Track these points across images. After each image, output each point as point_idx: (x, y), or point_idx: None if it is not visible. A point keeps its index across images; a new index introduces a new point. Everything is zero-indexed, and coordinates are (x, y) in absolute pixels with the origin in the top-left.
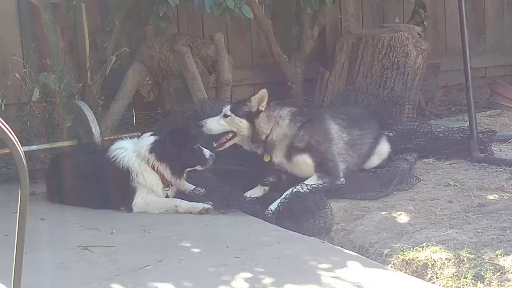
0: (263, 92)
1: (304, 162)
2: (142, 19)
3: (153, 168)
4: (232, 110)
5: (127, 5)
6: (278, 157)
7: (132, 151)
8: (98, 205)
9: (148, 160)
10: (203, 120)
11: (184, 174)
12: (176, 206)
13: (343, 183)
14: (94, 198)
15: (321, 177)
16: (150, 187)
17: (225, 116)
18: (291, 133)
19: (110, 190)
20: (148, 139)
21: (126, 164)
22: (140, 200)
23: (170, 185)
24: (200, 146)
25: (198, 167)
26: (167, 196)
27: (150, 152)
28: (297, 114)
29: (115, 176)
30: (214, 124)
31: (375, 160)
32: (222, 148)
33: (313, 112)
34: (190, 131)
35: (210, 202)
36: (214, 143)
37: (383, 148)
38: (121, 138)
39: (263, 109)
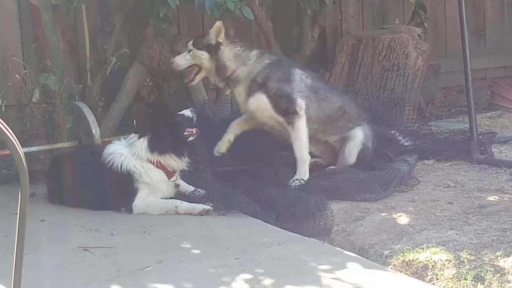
0: (219, 23)
1: (262, 100)
2: (142, 20)
3: (156, 165)
4: (193, 44)
5: (128, 6)
6: (240, 95)
7: (128, 154)
8: (98, 207)
9: (150, 159)
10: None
11: (185, 153)
12: (176, 207)
13: (302, 120)
14: (94, 200)
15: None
16: (156, 185)
17: (189, 50)
18: (255, 71)
19: (110, 192)
20: (139, 140)
21: (126, 168)
22: (140, 201)
23: (176, 176)
24: (180, 113)
25: (191, 138)
26: (177, 186)
27: (151, 151)
28: (265, 54)
29: (115, 180)
30: (181, 59)
31: (352, 148)
32: (193, 83)
33: (282, 57)
34: (168, 108)
35: (210, 203)
36: (187, 79)
37: (357, 134)
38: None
39: (221, 40)
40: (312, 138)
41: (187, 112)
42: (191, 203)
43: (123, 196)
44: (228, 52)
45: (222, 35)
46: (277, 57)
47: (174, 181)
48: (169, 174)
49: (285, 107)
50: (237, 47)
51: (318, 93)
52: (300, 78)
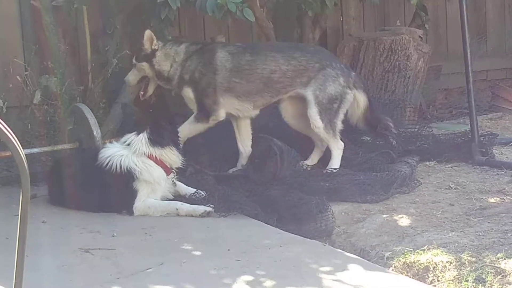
0: (148, 32)
1: (189, 96)
2: (143, 22)
3: (156, 162)
4: (135, 59)
5: (129, 8)
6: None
7: (127, 153)
8: (99, 210)
9: (150, 154)
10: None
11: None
12: (177, 209)
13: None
14: (95, 203)
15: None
16: (157, 181)
17: (134, 65)
18: (184, 67)
19: (111, 195)
20: (138, 137)
21: (126, 167)
22: (141, 203)
23: (173, 172)
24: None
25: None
26: (174, 184)
27: (153, 145)
28: (191, 46)
29: (115, 182)
30: (130, 76)
31: (311, 115)
32: (147, 95)
33: (207, 43)
34: (166, 106)
35: (211, 205)
36: (140, 93)
37: (308, 97)
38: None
39: (156, 47)
40: (262, 103)
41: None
42: (192, 205)
43: (124, 198)
44: (160, 56)
45: (155, 41)
46: (200, 46)
47: (172, 178)
48: (167, 170)
49: (204, 106)
50: (167, 47)
51: (240, 70)
52: (221, 64)
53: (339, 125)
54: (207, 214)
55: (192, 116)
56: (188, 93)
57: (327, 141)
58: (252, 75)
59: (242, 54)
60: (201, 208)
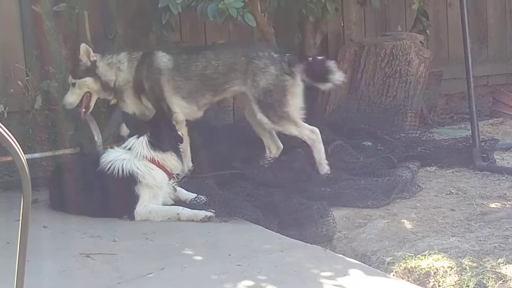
0: (83, 46)
1: (147, 104)
2: (144, 27)
3: (158, 165)
4: (73, 77)
5: (130, 13)
6: (129, 102)
7: (129, 157)
8: (100, 215)
9: (151, 157)
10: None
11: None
12: (178, 214)
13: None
14: (96, 208)
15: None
16: (159, 185)
17: (73, 84)
18: (131, 74)
19: (112, 200)
20: (139, 140)
21: (129, 171)
22: (142, 208)
23: (174, 178)
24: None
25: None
26: (174, 190)
27: (153, 149)
28: (132, 52)
29: (116, 186)
30: (70, 97)
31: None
32: (90, 110)
33: (145, 50)
34: (167, 114)
35: (212, 210)
36: (81, 110)
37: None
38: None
39: (95, 58)
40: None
41: None
42: (193, 210)
43: (125, 203)
44: (103, 66)
45: (92, 53)
46: (140, 54)
47: (173, 183)
48: (169, 175)
49: (161, 108)
50: (108, 57)
51: (180, 69)
52: (166, 67)
53: (293, 113)
54: (208, 219)
55: None
56: (145, 102)
57: (289, 133)
58: (188, 73)
59: (180, 54)
60: (202, 213)
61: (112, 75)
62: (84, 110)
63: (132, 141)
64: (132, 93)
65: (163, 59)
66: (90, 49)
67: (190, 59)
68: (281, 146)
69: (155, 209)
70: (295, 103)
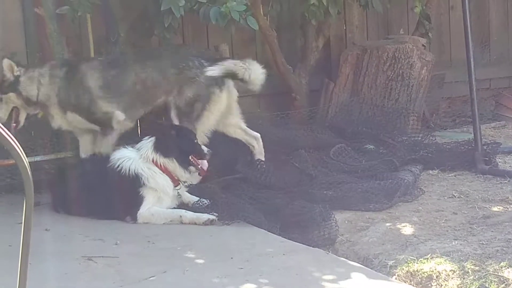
0: (5, 61)
1: (76, 119)
2: (147, 30)
3: (161, 169)
4: (0, 92)
5: (132, 16)
6: (56, 117)
7: (136, 157)
8: (104, 216)
9: (154, 160)
10: None
11: (189, 167)
12: (181, 216)
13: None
14: (100, 208)
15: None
16: (162, 189)
17: (0, 100)
18: (55, 90)
19: (117, 199)
20: (148, 140)
21: (134, 171)
22: (145, 210)
23: (180, 184)
24: (199, 143)
25: (192, 167)
26: (179, 196)
27: (156, 151)
28: (55, 67)
29: (122, 184)
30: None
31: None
32: (21, 125)
33: (72, 60)
34: (187, 129)
35: (215, 213)
36: (12, 125)
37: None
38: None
39: (19, 73)
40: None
41: (205, 148)
42: (196, 213)
43: (129, 204)
44: (25, 81)
45: (15, 68)
46: (66, 64)
47: (178, 189)
48: (174, 181)
49: (101, 123)
50: (30, 71)
51: (107, 83)
52: (90, 78)
53: (204, 128)
54: (211, 222)
55: (99, 134)
56: (75, 117)
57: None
58: (118, 87)
59: (107, 68)
60: (205, 216)
61: (34, 89)
62: (14, 125)
63: (144, 141)
64: (57, 108)
65: (89, 76)
66: (13, 64)
67: (118, 73)
68: (258, 134)
69: (157, 211)
70: (211, 118)
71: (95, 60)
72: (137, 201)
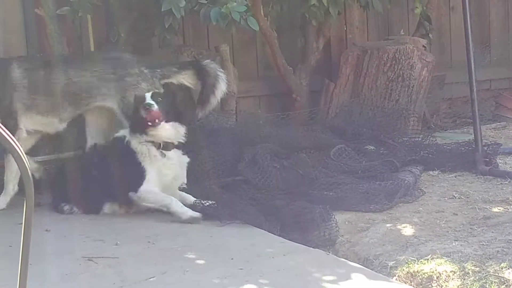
0: None
1: None
2: (147, 31)
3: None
4: None
5: (133, 17)
6: None
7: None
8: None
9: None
10: None
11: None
12: (168, 204)
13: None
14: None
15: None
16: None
17: None
18: None
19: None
20: None
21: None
22: (147, 186)
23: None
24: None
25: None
26: (163, 156)
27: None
28: None
29: (128, 158)
30: None
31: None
32: None
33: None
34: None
35: (199, 212)
36: None
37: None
38: None
39: None
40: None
41: (148, 97)
42: (184, 207)
43: (133, 179)
44: None
45: None
46: None
47: (180, 187)
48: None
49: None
50: None
51: (38, 85)
52: (18, 81)
53: None
54: (193, 220)
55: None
56: None
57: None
58: (48, 89)
59: (37, 69)
60: (189, 213)
61: None
62: None
63: None
64: None
65: (17, 74)
66: None
67: (50, 75)
68: None
69: (156, 192)
70: None
71: (25, 60)
72: (141, 176)
